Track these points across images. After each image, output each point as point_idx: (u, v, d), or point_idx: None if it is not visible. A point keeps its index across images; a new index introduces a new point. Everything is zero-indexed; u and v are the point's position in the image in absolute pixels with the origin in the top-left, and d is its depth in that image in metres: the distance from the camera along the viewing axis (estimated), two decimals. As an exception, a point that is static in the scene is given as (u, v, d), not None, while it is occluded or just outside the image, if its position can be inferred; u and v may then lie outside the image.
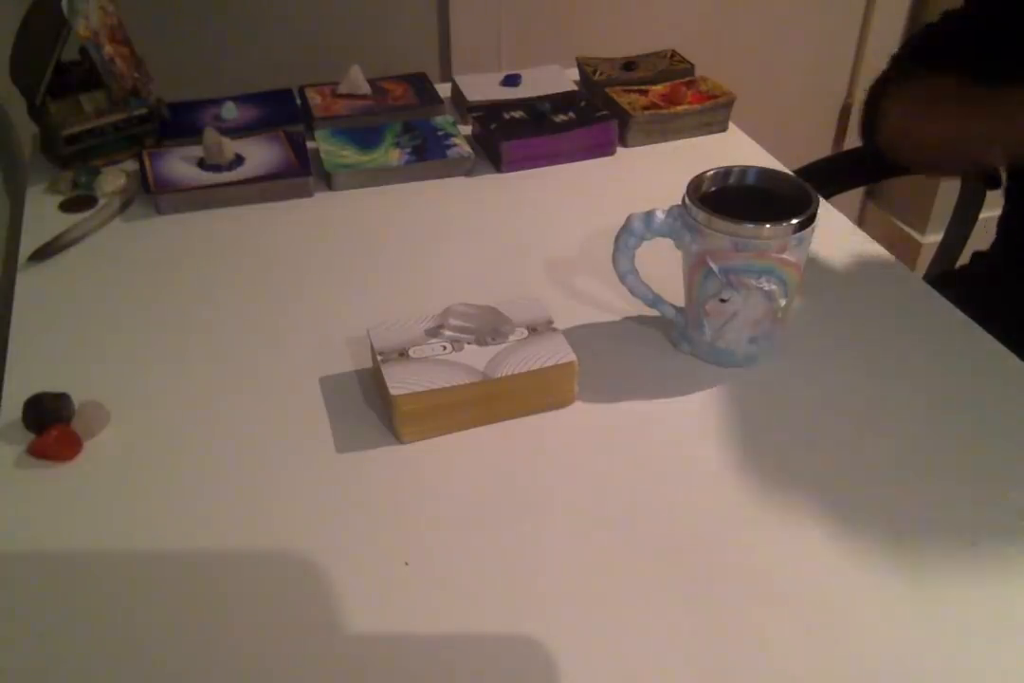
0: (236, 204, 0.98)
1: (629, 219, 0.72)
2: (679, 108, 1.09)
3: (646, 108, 1.09)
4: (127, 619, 0.57)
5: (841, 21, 1.93)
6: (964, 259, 1.32)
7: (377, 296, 0.85)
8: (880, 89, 0.93)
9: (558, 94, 1.12)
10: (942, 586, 0.58)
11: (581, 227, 0.94)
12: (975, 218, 1.26)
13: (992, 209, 1.14)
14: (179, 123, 1.09)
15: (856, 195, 2.21)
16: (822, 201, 0.80)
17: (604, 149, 1.07)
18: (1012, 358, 0.76)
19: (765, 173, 0.74)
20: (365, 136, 1.06)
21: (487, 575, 0.59)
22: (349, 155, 1.02)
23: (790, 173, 0.81)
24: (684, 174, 0.73)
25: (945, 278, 1.16)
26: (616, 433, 0.70)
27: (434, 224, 0.95)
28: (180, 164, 1.01)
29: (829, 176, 1.17)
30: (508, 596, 0.58)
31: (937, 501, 0.64)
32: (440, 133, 1.06)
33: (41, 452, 0.68)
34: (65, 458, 0.68)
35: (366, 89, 1.14)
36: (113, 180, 1.00)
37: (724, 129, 1.13)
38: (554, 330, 0.72)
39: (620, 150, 1.09)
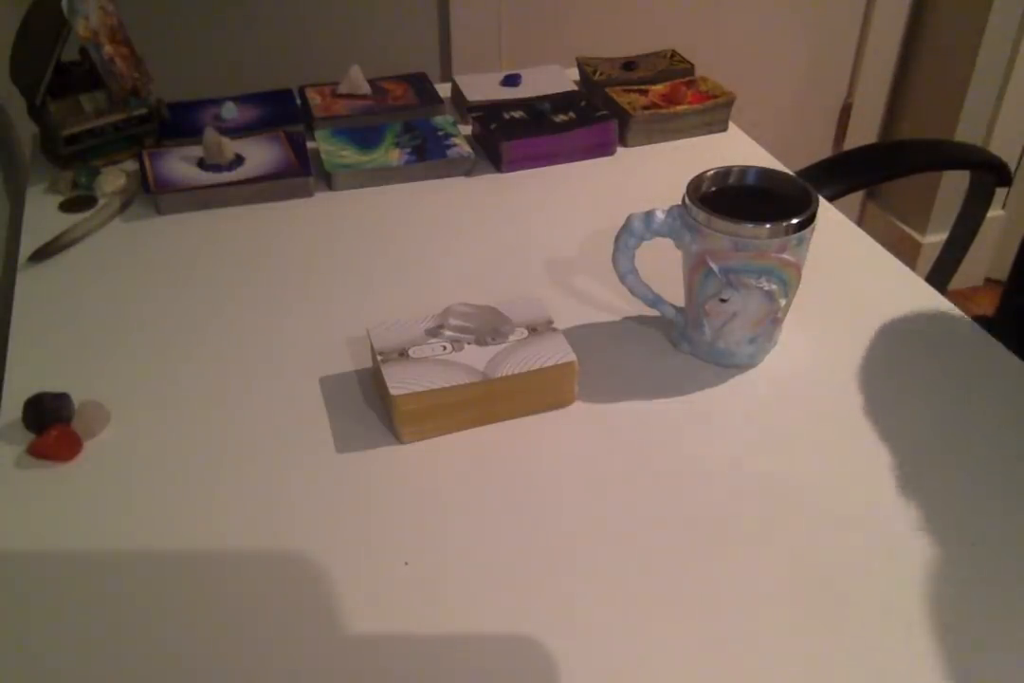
0: (236, 204, 0.98)
1: (629, 219, 0.72)
2: (679, 108, 1.09)
3: (646, 108, 1.09)
4: (127, 618, 0.57)
5: (841, 21, 1.93)
6: (966, 261, 1.33)
7: (377, 296, 0.85)
8: None
9: (558, 94, 1.12)
10: (942, 586, 0.58)
11: (581, 227, 0.94)
12: (982, 217, 1.26)
13: (996, 209, 1.13)
14: (179, 123, 1.09)
15: (856, 195, 2.21)
16: (822, 201, 0.80)
17: (604, 149, 1.07)
18: (1012, 358, 0.76)
19: (765, 173, 0.74)
20: (365, 136, 1.06)
21: (487, 575, 0.59)
22: (349, 155, 1.02)
23: (790, 173, 0.81)
24: (684, 174, 0.73)
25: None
26: (616, 433, 0.70)
27: (434, 224, 0.95)
28: (180, 164, 1.01)
29: (831, 177, 1.17)
30: (508, 596, 0.58)
31: (937, 500, 0.64)
32: (440, 133, 1.06)
33: (41, 452, 0.68)
34: (65, 458, 0.68)
35: (366, 89, 1.14)
36: (113, 180, 1.00)
37: (724, 129, 1.13)
38: (554, 330, 0.72)
39: (620, 150, 1.09)
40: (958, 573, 0.59)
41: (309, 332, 0.80)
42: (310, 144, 1.06)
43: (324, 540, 0.62)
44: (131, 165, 1.04)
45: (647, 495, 0.65)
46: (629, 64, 1.19)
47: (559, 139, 1.04)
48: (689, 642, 0.55)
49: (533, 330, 0.72)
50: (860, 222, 2.24)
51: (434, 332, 0.72)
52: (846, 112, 2.05)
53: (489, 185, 1.02)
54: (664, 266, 0.77)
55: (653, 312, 0.80)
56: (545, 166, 1.05)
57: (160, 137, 1.07)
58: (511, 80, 1.17)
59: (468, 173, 1.04)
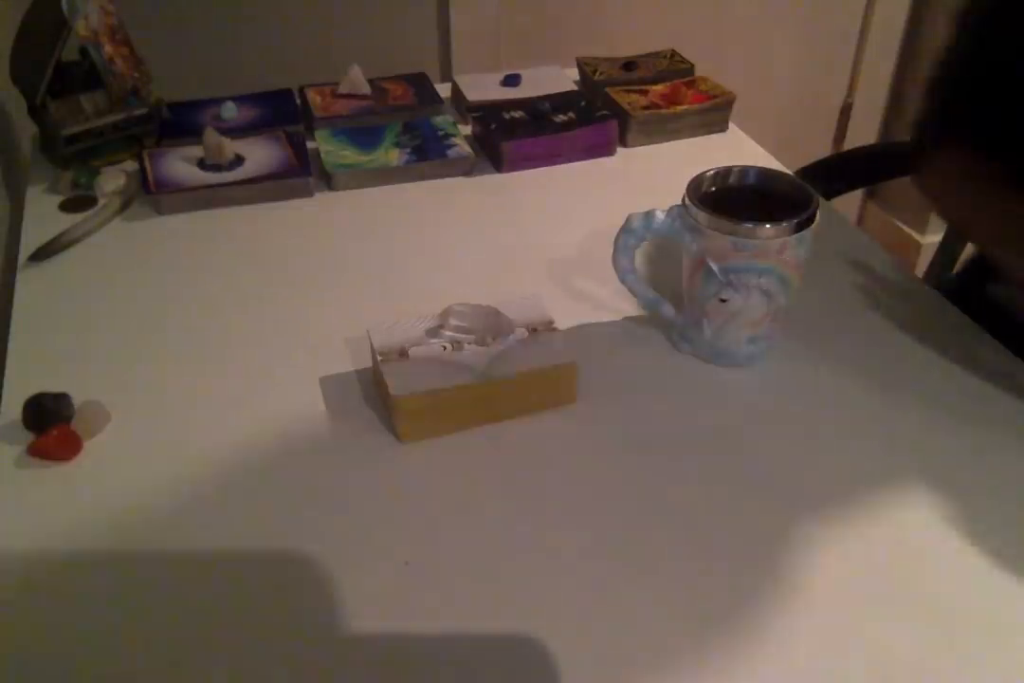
0: (236, 204, 0.98)
1: (629, 219, 0.72)
2: (679, 108, 1.09)
3: (646, 108, 1.09)
4: (126, 619, 0.57)
5: (841, 21, 1.93)
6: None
7: (377, 296, 0.85)
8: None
9: (558, 94, 1.12)
10: (939, 584, 0.58)
11: (581, 227, 0.94)
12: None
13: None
14: (179, 123, 1.09)
15: (856, 195, 2.21)
16: (822, 201, 0.80)
17: (604, 149, 1.07)
18: (1012, 357, 0.76)
19: (765, 173, 0.74)
20: (365, 136, 1.06)
21: (487, 575, 0.59)
22: (349, 155, 1.02)
23: (790, 173, 0.81)
24: (684, 174, 0.73)
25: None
26: (617, 433, 0.70)
27: (434, 224, 0.95)
28: (180, 164, 1.01)
29: (831, 177, 1.17)
30: (508, 596, 0.58)
31: (935, 500, 0.64)
32: (440, 133, 1.06)
33: (41, 452, 0.68)
34: (65, 458, 0.68)
35: (366, 89, 1.14)
36: (113, 180, 1.00)
37: (724, 129, 1.13)
38: (554, 330, 0.72)
39: (620, 150, 1.09)
40: (958, 573, 0.59)
41: (309, 332, 0.80)
42: (310, 144, 1.06)
43: (324, 540, 0.62)
44: (131, 165, 1.04)
45: (648, 495, 0.65)
46: (629, 64, 1.19)
47: (559, 139, 1.04)
48: (690, 642, 0.55)
49: (533, 330, 0.72)
50: (860, 222, 2.24)
51: (434, 332, 0.72)
52: (846, 112, 2.05)
53: (489, 185, 1.02)
54: (664, 266, 0.77)
55: (653, 312, 0.80)
56: (545, 166, 1.05)
57: (160, 137, 1.07)
58: (511, 80, 1.17)
59: (468, 173, 1.04)
